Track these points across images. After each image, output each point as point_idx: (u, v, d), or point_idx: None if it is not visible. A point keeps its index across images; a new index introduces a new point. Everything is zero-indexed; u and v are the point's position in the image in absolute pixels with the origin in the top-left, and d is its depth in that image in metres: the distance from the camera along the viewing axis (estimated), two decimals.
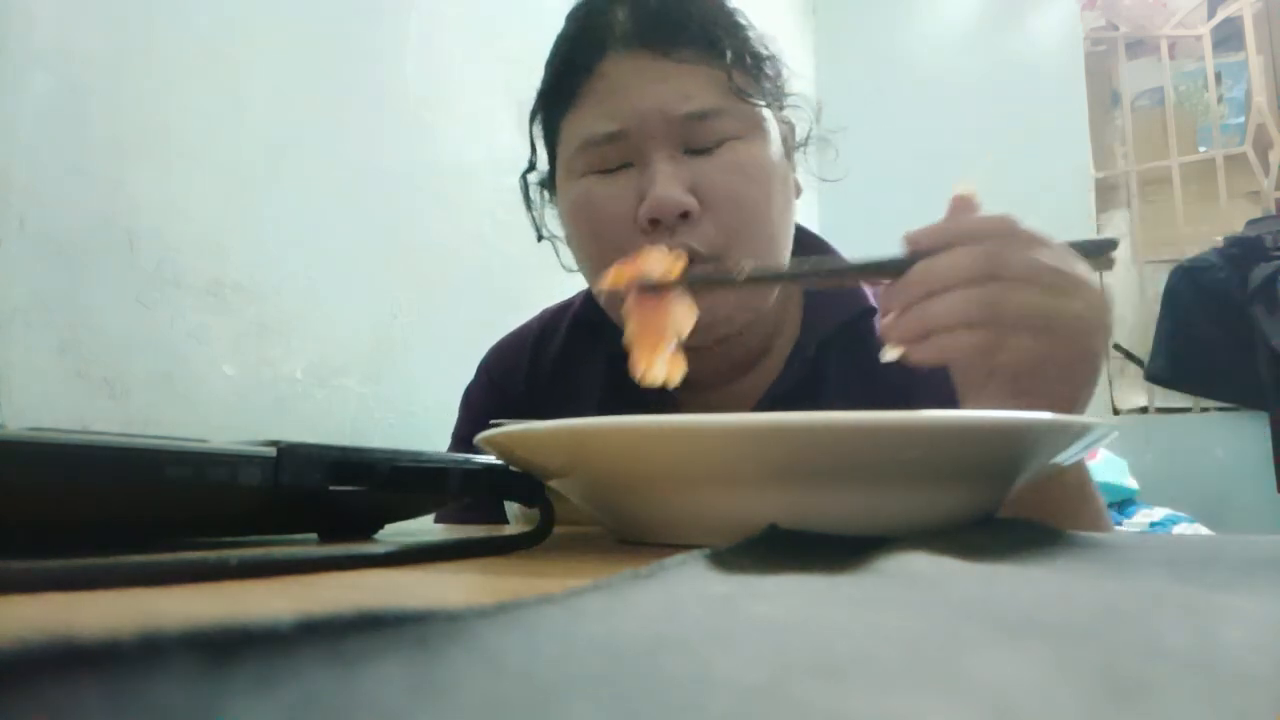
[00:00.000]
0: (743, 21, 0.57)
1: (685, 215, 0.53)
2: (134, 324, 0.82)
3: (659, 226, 0.53)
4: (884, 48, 2.54)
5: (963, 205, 0.40)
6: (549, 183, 0.63)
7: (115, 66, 0.83)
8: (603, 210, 0.55)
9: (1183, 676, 0.08)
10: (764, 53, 0.57)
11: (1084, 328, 0.37)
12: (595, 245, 0.57)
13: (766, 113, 0.57)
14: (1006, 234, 0.38)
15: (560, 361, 0.67)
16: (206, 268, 0.90)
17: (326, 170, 1.06)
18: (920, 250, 0.38)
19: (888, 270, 0.39)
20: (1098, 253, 0.41)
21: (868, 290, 0.62)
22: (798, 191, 0.62)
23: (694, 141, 0.54)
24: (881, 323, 0.39)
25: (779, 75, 0.59)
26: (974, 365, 0.38)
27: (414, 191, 1.18)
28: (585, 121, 0.55)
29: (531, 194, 0.65)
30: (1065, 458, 0.29)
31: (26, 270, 0.75)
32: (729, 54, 0.53)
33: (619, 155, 0.55)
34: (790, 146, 0.61)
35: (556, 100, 0.58)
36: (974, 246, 0.37)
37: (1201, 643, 0.10)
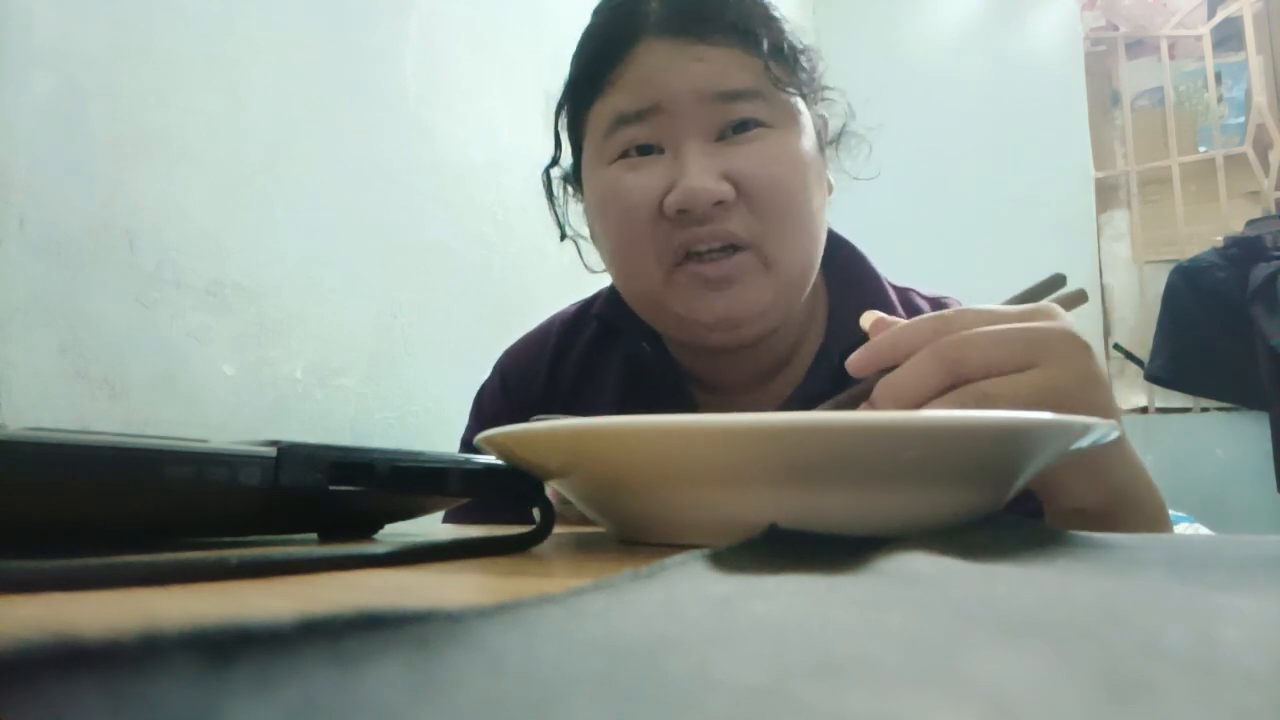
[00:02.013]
0: (777, 15, 0.56)
1: (720, 204, 0.51)
2: (134, 324, 0.82)
3: (687, 216, 0.51)
4: (884, 48, 2.54)
5: (880, 323, 0.38)
6: (574, 177, 0.62)
7: (115, 66, 0.83)
8: (630, 198, 0.53)
9: (1183, 676, 0.08)
10: (799, 45, 0.57)
11: (1075, 376, 0.34)
12: (622, 236, 0.55)
13: (801, 105, 0.56)
14: (950, 324, 0.34)
15: (581, 363, 0.66)
16: (206, 268, 0.90)
17: (326, 170, 1.06)
18: (866, 375, 0.36)
19: (849, 403, 0.37)
20: (1059, 293, 0.40)
21: (894, 298, 0.61)
22: (829, 190, 0.61)
23: (727, 123, 0.52)
24: None
25: (814, 69, 0.58)
26: None
27: (414, 191, 1.18)
28: (616, 102, 0.54)
29: (555, 190, 0.64)
30: (1067, 456, 0.29)
31: (26, 270, 0.75)
32: (765, 43, 0.53)
33: (650, 135, 0.53)
34: (823, 142, 0.60)
35: (586, 88, 0.57)
36: (929, 351, 0.34)
37: (1201, 643, 0.10)
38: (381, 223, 1.13)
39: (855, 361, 0.36)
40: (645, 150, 0.54)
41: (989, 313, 0.35)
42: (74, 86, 0.79)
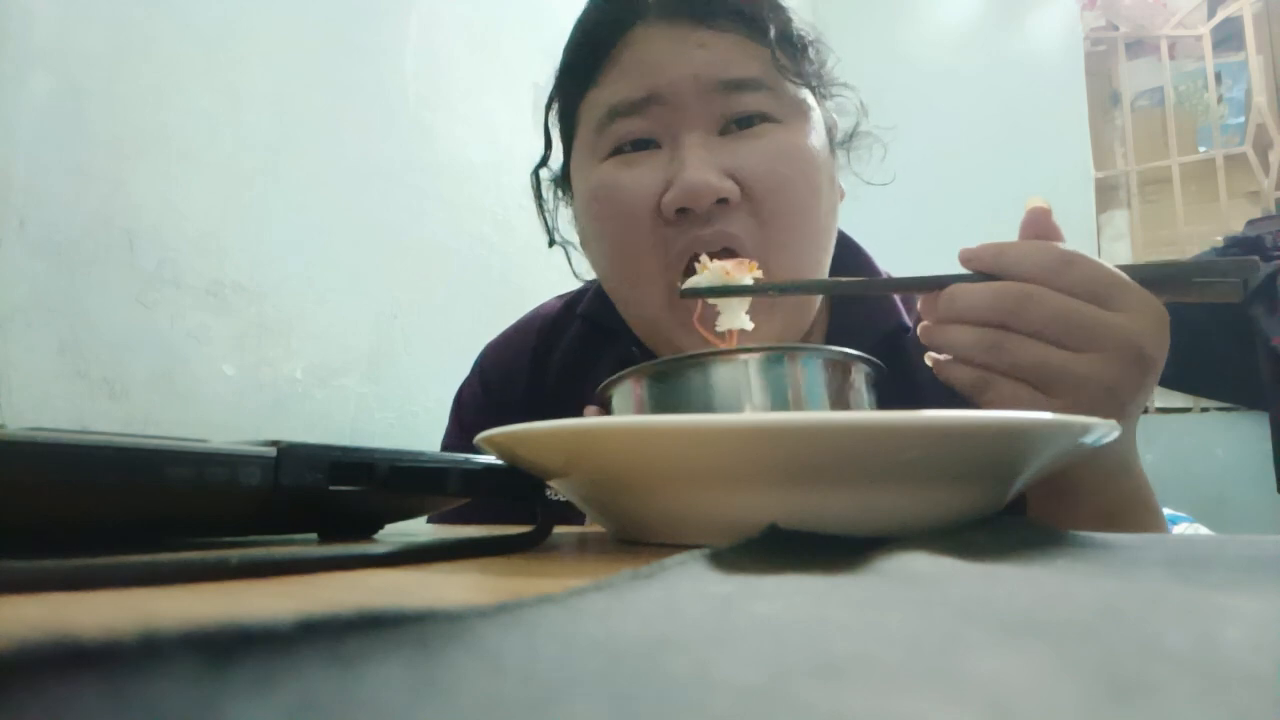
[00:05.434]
0: (784, 3, 0.53)
1: (723, 202, 0.47)
2: (134, 324, 0.82)
3: (687, 216, 0.47)
4: (884, 47, 2.54)
5: (1035, 221, 0.38)
6: (563, 180, 0.59)
7: (115, 66, 0.83)
8: (625, 198, 0.49)
9: (1183, 676, 0.08)
10: (808, 36, 0.53)
11: (1101, 383, 0.34)
12: (617, 242, 0.51)
13: (811, 99, 0.52)
14: (1055, 272, 0.34)
15: (567, 362, 0.62)
16: (206, 268, 0.90)
17: (326, 170, 1.05)
18: (968, 269, 0.37)
19: (930, 285, 0.39)
20: (1218, 277, 0.37)
21: (901, 308, 0.59)
22: (840, 195, 0.57)
23: (731, 116, 0.48)
24: (919, 327, 0.39)
25: (824, 64, 0.55)
26: (966, 395, 0.37)
27: (414, 191, 1.18)
28: (611, 92, 0.50)
29: (544, 193, 0.60)
30: (1067, 456, 0.29)
31: (26, 270, 0.75)
32: (773, 30, 0.49)
33: (646, 128, 0.49)
34: (833, 142, 0.56)
35: (578, 77, 0.52)
36: (1001, 287, 0.35)
37: (1201, 643, 0.10)
38: (381, 223, 1.13)
39: (966, 252, 0.38)
40: (641, 145, 0.50)
41: (1104, 277, 0.35)
42: (74, 86, 0.79)
